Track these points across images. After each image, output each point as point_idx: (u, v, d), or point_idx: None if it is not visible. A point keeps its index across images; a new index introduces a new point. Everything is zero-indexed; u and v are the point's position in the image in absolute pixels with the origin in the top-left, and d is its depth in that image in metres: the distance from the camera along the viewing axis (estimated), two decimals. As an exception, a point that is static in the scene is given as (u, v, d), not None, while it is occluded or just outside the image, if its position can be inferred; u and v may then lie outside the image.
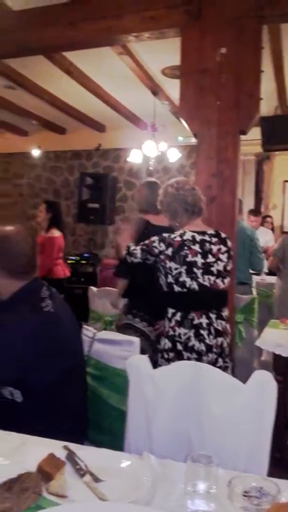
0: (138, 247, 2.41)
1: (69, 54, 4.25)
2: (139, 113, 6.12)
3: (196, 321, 2.25)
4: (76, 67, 4.59)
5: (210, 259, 2.29)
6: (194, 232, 2.31)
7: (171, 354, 2.27)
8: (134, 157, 6.01)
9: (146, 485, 0.98)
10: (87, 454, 1.17)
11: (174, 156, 6.01)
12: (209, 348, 2.23)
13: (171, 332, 2.30)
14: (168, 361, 2.24)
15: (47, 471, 0.98)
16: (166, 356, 2.30)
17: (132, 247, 2.43)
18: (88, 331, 1.88)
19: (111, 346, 1.78)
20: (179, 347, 2.25)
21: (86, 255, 6.61)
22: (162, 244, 2.31)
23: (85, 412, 1.72)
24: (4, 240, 1.62)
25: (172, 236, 2.34)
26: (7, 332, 1.49)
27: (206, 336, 2.24)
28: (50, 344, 1.55)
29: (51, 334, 1.55)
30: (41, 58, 4.14)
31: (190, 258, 2.26)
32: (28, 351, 1.50)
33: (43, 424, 1.53)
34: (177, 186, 2.39)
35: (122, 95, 5.48)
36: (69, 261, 6.04)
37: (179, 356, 2.25)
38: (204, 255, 2.28)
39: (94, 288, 4.75)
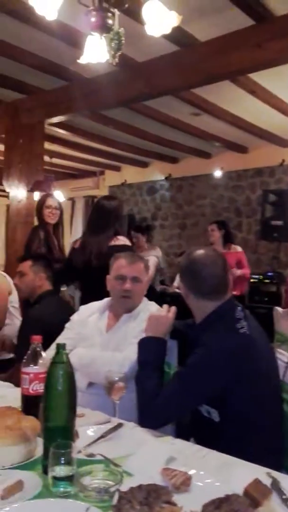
0: None
1: (253, 74, 4.26)
2: None
3: None
4: (260, 85, 4.58)
5: None
6: None
7: None
8: None
9: None
10: (292, 485, 1.13)
11: None
12: None
13: None
14: None
15: (254, 496, 0.98)
16: None
17: None
18: (282, 355, 1.83)
19: (309, 372, 1.69)
20: None
21: (269, 273, 6.43)
22: None
23: (281, 439, 1.67)
24: (193, 263, 1.70)
25: None
26: (206, 352, 1.55)
27: None
28: (246, 365, 1.55)
29: (247, 356, 1.56)
30: (225, 82, 4.25)
31: None
32: (226, 371, 1.53)
33: (239, 446, 1.54)
34: None
35: (307, 107, 5.27)
36: (251, 280, 5.97)
37: None
38: None
39: (279, 309, 4.58)
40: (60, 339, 2.09)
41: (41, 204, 4.02)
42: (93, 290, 2.31)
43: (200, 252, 1.73)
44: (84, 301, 2.54)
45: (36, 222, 4.30)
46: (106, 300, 2.14)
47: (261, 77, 4.37)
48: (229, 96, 4.92)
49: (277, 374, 1.71)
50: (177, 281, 5.77)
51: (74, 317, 2.15)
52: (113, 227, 3.01)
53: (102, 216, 3.04)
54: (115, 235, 3.00)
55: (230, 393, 1.55)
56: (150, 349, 1.68)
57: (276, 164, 6.93)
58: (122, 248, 2.89)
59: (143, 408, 1.57)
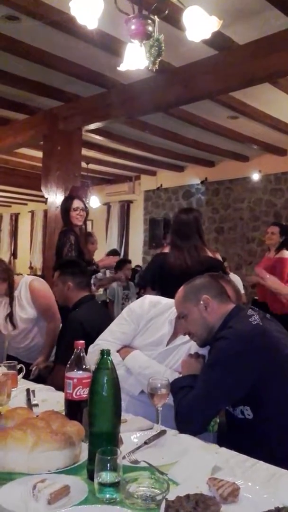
0: None
1: (293, 75, 4.20)
2: None
3: None
4: (301, 87, 4.50)
5: None
6: None
7: None
8: None
9: None
10: None
11: None
12: None
13: None
14: None
15: (307, 510, 0.95)
16: None
17: None
18: None
19: None
20: None
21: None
22: None
23: None
24: (201, 277, 1.83)
25: None
26: (224, 344, 1.59)
27: None
28: (267, 353, 1.57)
29: (265, 344, 1.59)
30: (264, 84, 4.19)
31: None
32: (247, 359, 1.55)
33: (276, 443, 1.54)
34: None
35: None
36: (292, 285, 5.83)
37: None
38: None
39: None
40: (114, 330, 2.00)
41: (68, 207, 3.98)
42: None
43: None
44: None
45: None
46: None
47: (301, 78, 4.29)
48: (268, 98, 4.86)
49: None
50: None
51: (137, 310, 2.01)
52: (198, 235, 3.06)
53: (184, 227, 3.08)
54: (205, 245, 3.08)
55: (258, 385, 1.54)
56: (186, 379, 1.68)
57: None
58: (217, 262, 3.04)
59: (177, 409, 1.58)
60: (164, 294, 3.19)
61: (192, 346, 1.86)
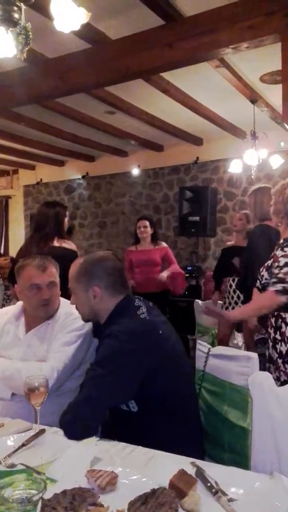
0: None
1: (165, 73, 4.35)
2: (238, 122, 6.05)
3: None
4: (173, 85, 4.67)
5: None
6: None
7: None
8: (235, 167, 5.94)
9: (283, 509, 0.95)
10: (215, 471, 1.16)
11: (277, 162, 5.86)
12: None
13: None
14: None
15: (180, 487, 1.00)
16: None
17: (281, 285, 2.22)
18: (202, 346, 1.88)
19: (228, 361, 1.75)
20: None
21: (189, 268, 6.62)
22: None
23: (200, 425, 1.71)
24: (101, 260, 1.73)
25: None
26: (113, 341, 1.56)
27: None
28: (155, 349, 1.58)
29: (151, 342, 1.59)
30: (138, 80, 4.29)
31: None
32: (136, 358, 1.54)
33: (159, 434, 1.56)
34: None
35: (219, 107, 5.46)
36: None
37: None
38: None
39: (199, 301, 4.75)
40: None
41: None
42: None
43: (104, 252, 1.80)
44: None
45: None
46: (19, 305, 2.05)
47: (173, 77, 4.46)
48: (143, 95, 4.98)
49: (186, 361, 1.76)
50: None
51: None
52: (53, 229, 3.07)
53: (40, 219, 3.14)
54: (58, 237, 3.07)
55: (144, 381, 1.55)
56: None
57: (190, 162, 7.13)
58: (66, 251, 2.98)
59: (62, 419, 1.49)
60: None
61: (52, 336, 1.87)
